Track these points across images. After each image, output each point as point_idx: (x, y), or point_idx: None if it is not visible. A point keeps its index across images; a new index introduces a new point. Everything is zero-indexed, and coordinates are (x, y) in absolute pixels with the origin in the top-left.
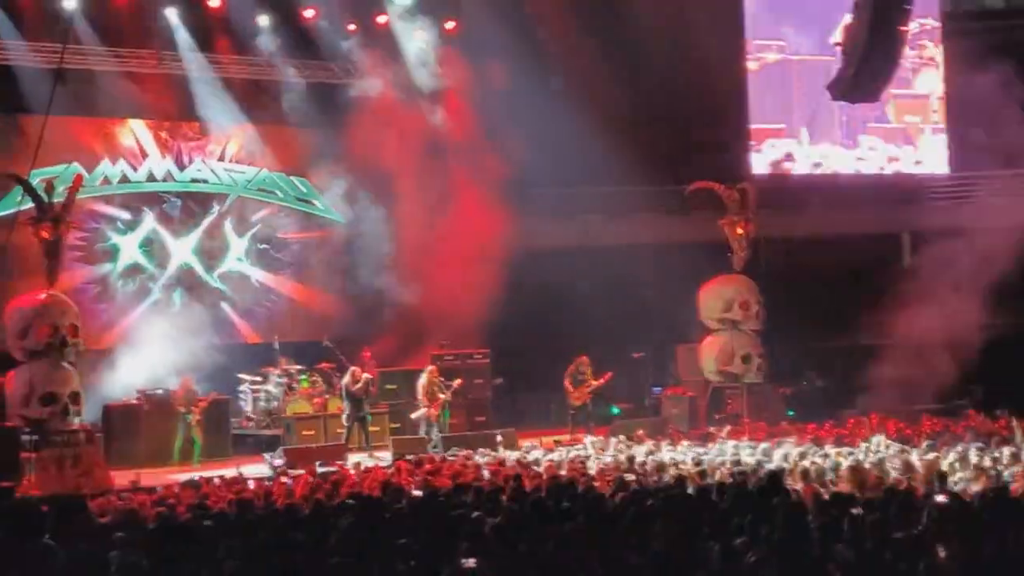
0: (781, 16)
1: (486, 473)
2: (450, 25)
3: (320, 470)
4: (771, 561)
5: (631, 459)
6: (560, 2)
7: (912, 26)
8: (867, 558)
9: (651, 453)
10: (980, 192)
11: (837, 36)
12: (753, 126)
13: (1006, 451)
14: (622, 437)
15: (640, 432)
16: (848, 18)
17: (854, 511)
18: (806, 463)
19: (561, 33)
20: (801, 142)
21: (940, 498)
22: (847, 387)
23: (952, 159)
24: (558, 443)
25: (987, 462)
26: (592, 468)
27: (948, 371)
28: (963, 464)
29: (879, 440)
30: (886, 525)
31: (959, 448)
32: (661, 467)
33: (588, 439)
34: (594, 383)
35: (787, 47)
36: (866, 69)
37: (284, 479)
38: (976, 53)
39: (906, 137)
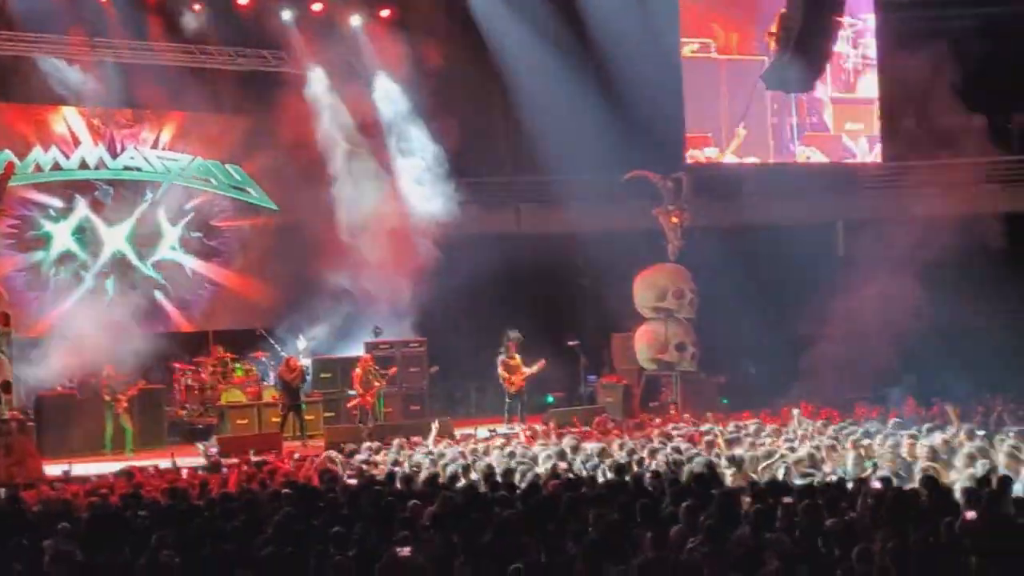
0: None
1: (420, 461)
2: (385, 13)
3: (255, 459)
4: (705, 548)
5: (573, 449)
6: None
7: (857, 23)
8: (802, 545)
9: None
10: (913, 180)
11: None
12: (688, 123)
13: (938, 437)
14: (552, 424)
15: (575, 419)
16: (783, 8)
17: (787, 499)
18: (738, 451)
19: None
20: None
21: (875, 485)
22: (781, 376)
23: (885, 148)
24: (493, 432)
25: (921, 450)
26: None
27: (882, 360)
28: (894, 452)
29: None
30: (820, 513)
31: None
32: (601, 453)
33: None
34: (527, 370)
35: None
36: (800, 59)
37: (223, 469)
38: (908, 41)
39: (847, 149)
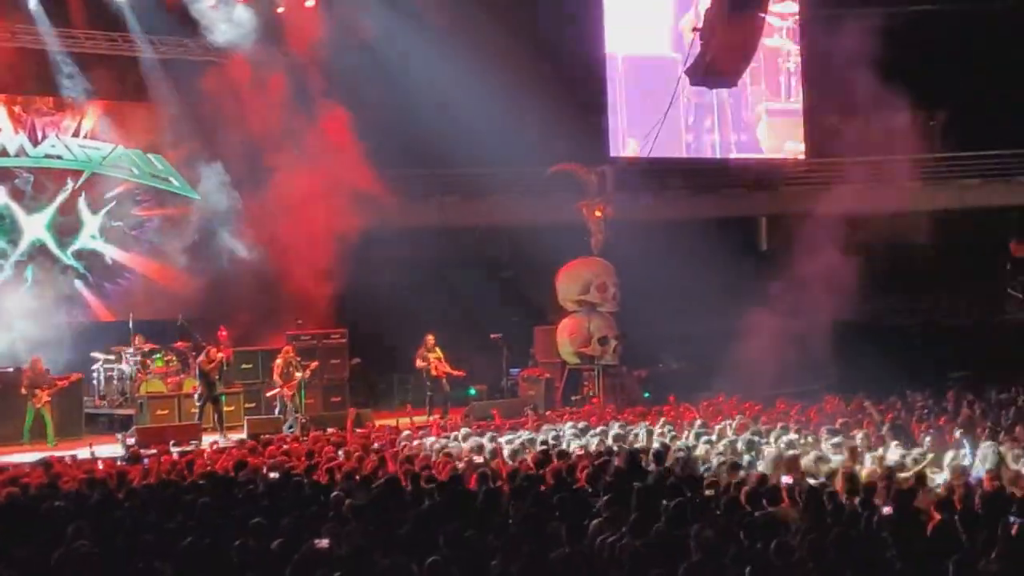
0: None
1: (341, 454)
2: (310, 3)
3: (174, 450)
4: (626, 540)
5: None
6: None
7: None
8: (723, 537)
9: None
10: (836, 178)
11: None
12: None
13: (859, 435)
14: (470, 417)
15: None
16: (707, 2)
17: (708, 492)
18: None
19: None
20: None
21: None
22: (703, 370)
23: (808, 145)
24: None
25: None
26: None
27: (804, 355)
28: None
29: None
30: (741, 506)
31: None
32: (515, 452)
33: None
34: (447, 369)
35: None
36: (724, 54)
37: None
38: (833, 36)
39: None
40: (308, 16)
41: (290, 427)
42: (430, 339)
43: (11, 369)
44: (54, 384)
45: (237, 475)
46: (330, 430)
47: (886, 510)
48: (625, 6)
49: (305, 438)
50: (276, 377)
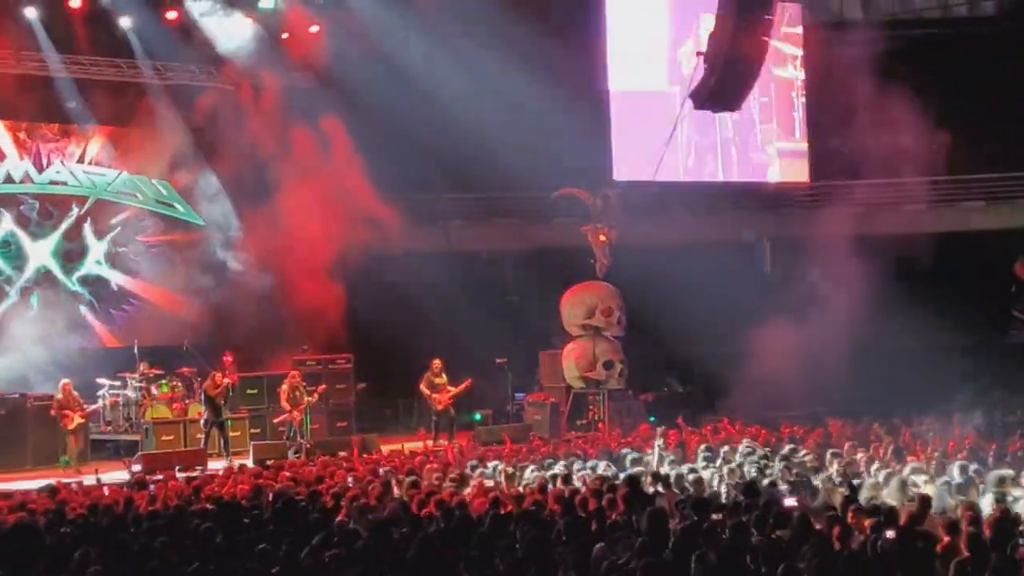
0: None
1: (350, 479)
2: (314, 29)
3: (180, 475)
4: (633, 564)
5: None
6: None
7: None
8: (728, 561)
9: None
10: (839, 200)
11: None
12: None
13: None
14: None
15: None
16: (711, 27)
17: (715, 516)
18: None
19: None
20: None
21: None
22: (708, 394)
23: (812, 168)
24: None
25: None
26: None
27: (807, 377)
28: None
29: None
30: (746, 530)
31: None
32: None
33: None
34: (452, 389)
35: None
36: (728, 78)
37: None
38: (836, 60)
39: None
40: (313, 41)
41: (295, 452)
42: (437, 364)
43: (17, 395)
44: (83, 409)
45: (244, 500)
46: (342, 454)
47: (890, 533)
48: (624, 39)
49: (312, 463)
50: (284, 402)
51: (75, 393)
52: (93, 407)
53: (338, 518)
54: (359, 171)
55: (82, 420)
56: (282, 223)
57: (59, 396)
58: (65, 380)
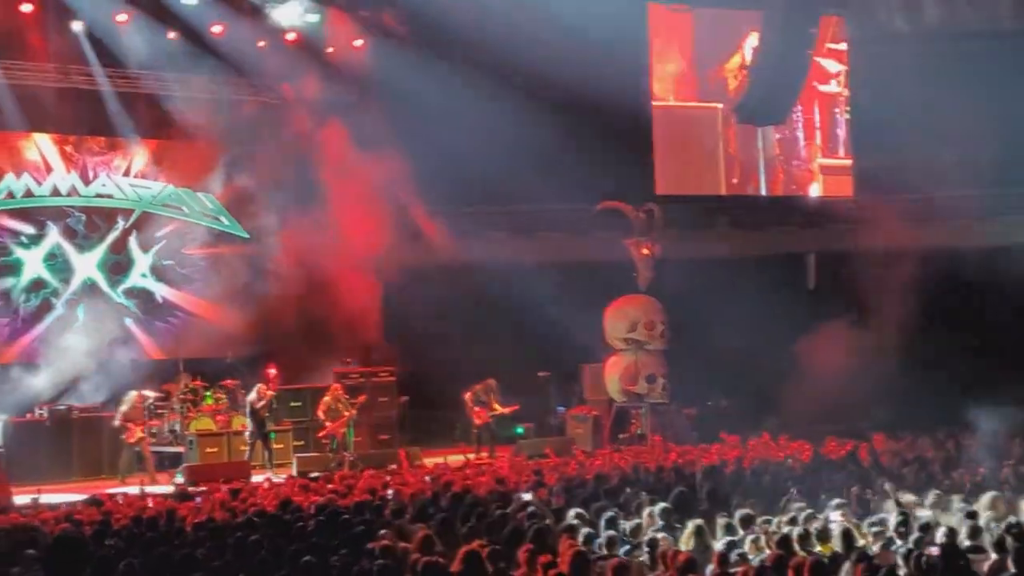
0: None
1: (390, 492)
2: (358, 43)
3: (224, 487)
4: None
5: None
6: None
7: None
8: None
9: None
10: (883, 215)
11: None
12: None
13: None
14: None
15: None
16: (755, 41)
17: None
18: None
19: (467, 51)
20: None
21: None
22: (752, 408)
23: (856, 183)
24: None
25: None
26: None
27: (851, 392)
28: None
29: None
30: None
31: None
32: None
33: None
34: (499, 409)
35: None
36: (773, 92)
37: (199, 498)
38: (879, 74)
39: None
40: (357, 55)
41: (338, 465)
42: (491, 383)
43: (63, 406)
44: (148, 423)
45: (286, 512)
46: (391, 466)
47: (933, 550)
48: (668, 54)
49: (356, 475)
50: (321, 414)
51: (142, 406)
52: (156, 422)
53: (382, 530)
54: (403, 183)
55: (143, 435)
56: (325, 236)
57: (125, 408)
58: (134, 393)
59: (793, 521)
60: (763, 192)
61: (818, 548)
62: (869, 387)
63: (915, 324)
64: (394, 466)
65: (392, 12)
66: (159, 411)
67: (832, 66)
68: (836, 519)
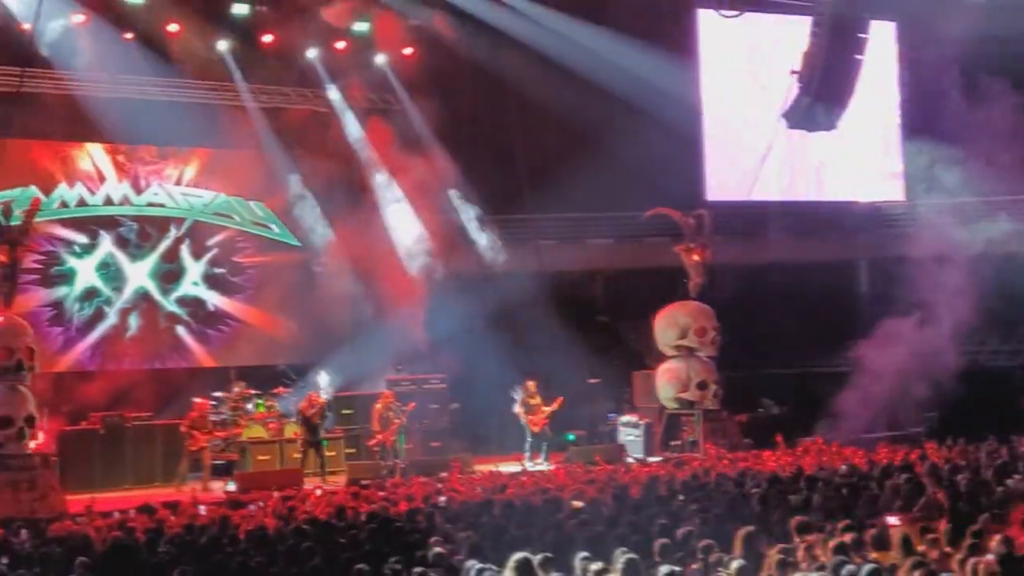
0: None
1: (442, 499)
2: (408, 51)
3: (276, 495)
4: None
5: None
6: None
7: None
8: None
9: None
10: (935, 220)
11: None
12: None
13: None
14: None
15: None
16: (806, 47)
17: None
18: None
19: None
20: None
21: None
22: (803, 414)
23: (906, 187)
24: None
25: None
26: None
27: (904, 399)
28: None
29: None
30: None
31: None
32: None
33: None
34: (547, 408)
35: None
36: (823, 97)
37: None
38: (930, 81)
39: None
40: (407, 62)
41: (389, 472)
42: (531, 385)
43: (116, 415)
44: (213, 432)
45: (338, 520)
46: (442, 474)
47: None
48: (719, 59)
49: (408, 483)
50: (375, 423)
51: (208, 415)
52: (219, 432)
53: (434, 537)
54: (452, 189)
55: (205, 444)
56: (375, 243)
57: (194, 415)
58: (202, 400)
59: (849, 528)
60: (814, 198)
61: (874, 555)
62: (921, 393)
63: (967, 329)
64: (445, 473)
65: (442, 16)
66: (215, 420)
67: (883, 71)
68: (895, 525)
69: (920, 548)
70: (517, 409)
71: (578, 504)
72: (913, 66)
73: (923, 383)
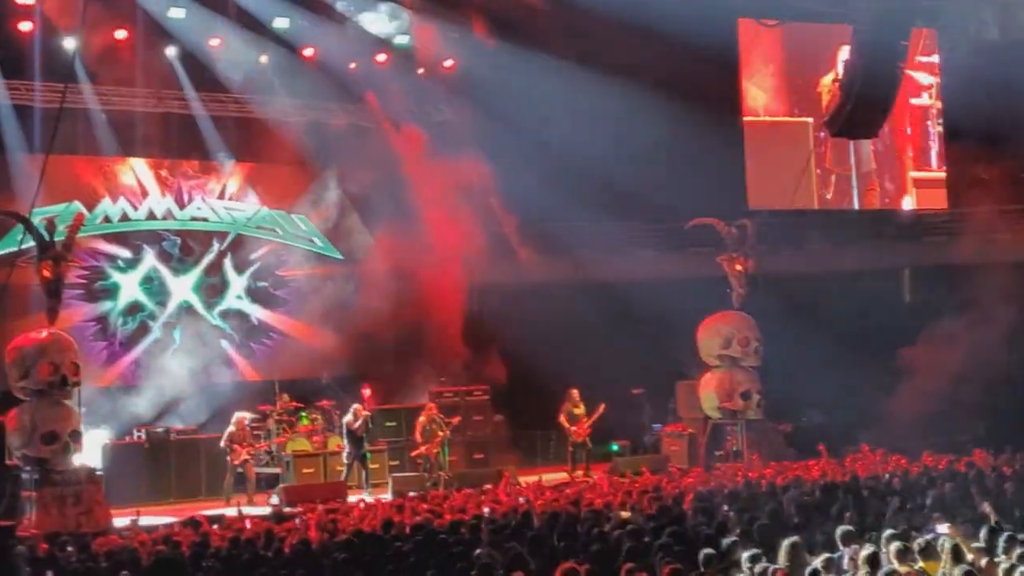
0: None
1: (486, 510)
2: (448, 63)
3: (320, 508)
4: None
5: None
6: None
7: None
8: None
9: None
10: (978, 228)
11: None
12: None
13: None
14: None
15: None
16: (846, 55)
17: None
18: None
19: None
20: None
21: None
22: (848, 424)
23: (949, 195)
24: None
25: None
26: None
27: (948, 407)
28: None
29: None
30: None
31: None
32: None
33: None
34: (590, 418)
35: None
36: (864, 106)
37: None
38: (972, 88)
39: None
40: (448, 75)
41: (432, 484)
42: (574, 393)
43: (160, 429)
44: (254, 445)
45: (383, 533)
46: (487, 486)
47: None
48: (760, 68)
49: (452, 495)
50: (418, 436)
51: (247, 428)
52: (261, 445)
53: (478, 550)
54: (495, 199)
55: (247, 457)
56: (418, 254)
57: (232, 429)
58: (240, 415)
59: (894, 537)
60: (856, 206)
61: (920, 564)
62: (967, 401)
63: (1012, 337)
64: (489, 485)
65: (481, 20)
66: (256, 432)
67: (924, 78)
68: (944, 534)
69: (969, 557)
70: (562, 419)
71: (625, 515)
72: (955, 72)
73: (968, 391)
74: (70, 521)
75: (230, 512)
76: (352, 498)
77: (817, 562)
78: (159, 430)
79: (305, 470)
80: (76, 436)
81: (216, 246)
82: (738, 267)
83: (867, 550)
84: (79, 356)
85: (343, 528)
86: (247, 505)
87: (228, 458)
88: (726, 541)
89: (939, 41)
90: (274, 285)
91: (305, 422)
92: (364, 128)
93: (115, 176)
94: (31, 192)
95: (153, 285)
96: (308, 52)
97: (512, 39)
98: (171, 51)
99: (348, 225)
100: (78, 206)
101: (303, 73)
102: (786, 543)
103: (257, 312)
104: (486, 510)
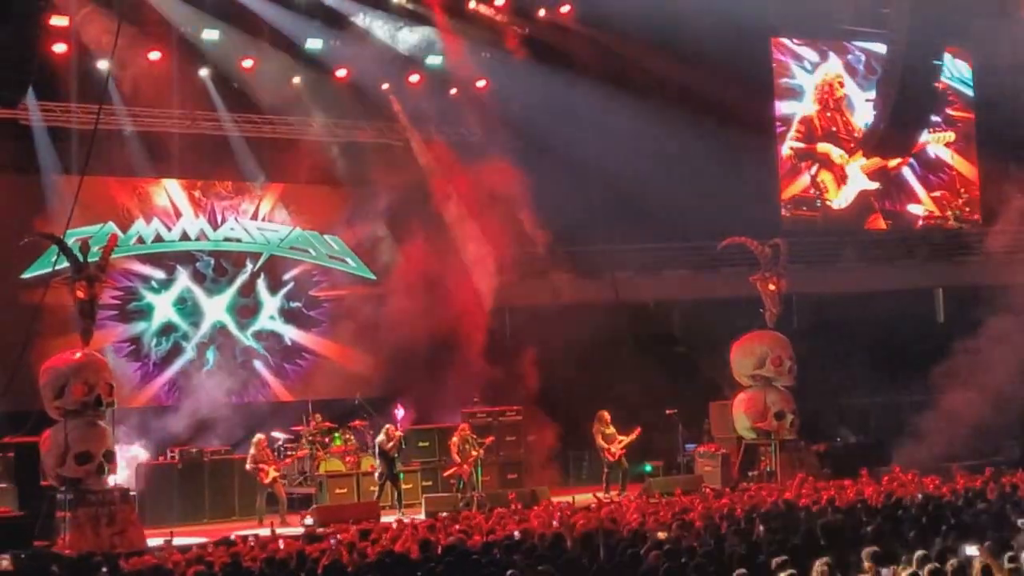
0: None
1: (516, 533)
2: (481, 83)
3: (353, 528)
4: None
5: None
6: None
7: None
8: None
9: None
10: (1012, 247)
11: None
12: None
13: None
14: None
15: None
16: (881, 74)
17: None
18: None
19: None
20: None
21: None
22: (881, 443)
23: (983, 213)
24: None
25: None
26: None
27: (982, 427)
28: None
29: None
30: None
31: None
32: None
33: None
34: (624, 439)
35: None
36: (899, 124)
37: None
38: (1007, 106)
39: None
40: (480, 95)
41: (466, 505)
42: (605, 415)
43: (194, 449)
44: (279, 463)
45: (417, 553)
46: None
47: None
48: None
49: (486, 515)
50: (455, 455)
51: (268, 448)
52: (286, 461)
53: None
54: (529, 224)
55: (277, 473)
56: (451, 274)
57: (253, 451)
58: (259, 435)
59: (927, 559)
60: (890, 223)
61: None
62: (1001, 421)
63: None
64: (521, 506)
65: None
66: (288, 452)
67: (958, 97)
68: (975, 555)
69: None
70: (599, 440)
71: (663, 535)
72: (989, 91)
73: (1002, 413)
74: (104, 541)
75: (264, 532)
76: (385, 518)
77: None
78: (193, 451)
79: (338, 490)
80: (110, 456)
81: (249, 266)
82: (771, 286)
83: (906, 572)
84: (113, 376)
85: (376, 548)
86: (280, 526)
87: (257, 478)
88: (760, 561)
89: (973, 60)
90: (307, 305)
91: (338, 442)
92: (396, 148)
93: (149, 197)
94: (66, 213)
95: (187, 306)
96: (341, 73)
97: (545, 59)
98: (204, 72)
99: (381, 245)
100: (112, 227)
101: (336, 94)
102: (818, 564)
103: (290, 332)
104: (516, 532)
